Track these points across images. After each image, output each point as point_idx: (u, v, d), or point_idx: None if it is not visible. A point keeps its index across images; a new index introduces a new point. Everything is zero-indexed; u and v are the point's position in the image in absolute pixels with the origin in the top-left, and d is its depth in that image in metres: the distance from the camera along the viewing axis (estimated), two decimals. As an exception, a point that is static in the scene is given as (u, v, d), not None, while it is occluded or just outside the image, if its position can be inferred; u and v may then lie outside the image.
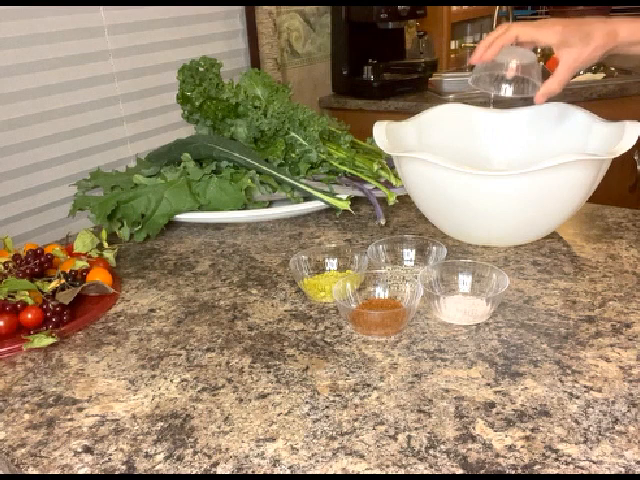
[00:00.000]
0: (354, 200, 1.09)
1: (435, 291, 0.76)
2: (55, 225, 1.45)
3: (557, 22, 0.86)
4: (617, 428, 0.55)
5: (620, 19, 0.87)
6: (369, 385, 0.63)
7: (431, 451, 0.54)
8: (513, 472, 0.51)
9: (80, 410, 0.63)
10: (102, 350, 0.74)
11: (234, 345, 0.72)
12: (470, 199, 0.84)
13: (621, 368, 0.63)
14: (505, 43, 0.86)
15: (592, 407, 0.58)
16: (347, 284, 0.77)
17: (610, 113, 0.99)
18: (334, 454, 0.54)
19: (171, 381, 0.66)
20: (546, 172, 0.78)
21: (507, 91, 0.88)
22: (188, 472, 0.54)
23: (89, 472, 0.55)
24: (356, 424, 0.58)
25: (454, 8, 2.55)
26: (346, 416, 0.59)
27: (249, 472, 0.53)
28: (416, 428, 0.57)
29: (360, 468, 0.53)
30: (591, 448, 0.53)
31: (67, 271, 0.83)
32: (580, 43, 0.85)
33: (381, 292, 0.78)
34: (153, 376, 0.68)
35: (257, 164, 1.09)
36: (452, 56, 2.63)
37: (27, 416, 0.63)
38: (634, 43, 0.86)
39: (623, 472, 0.51)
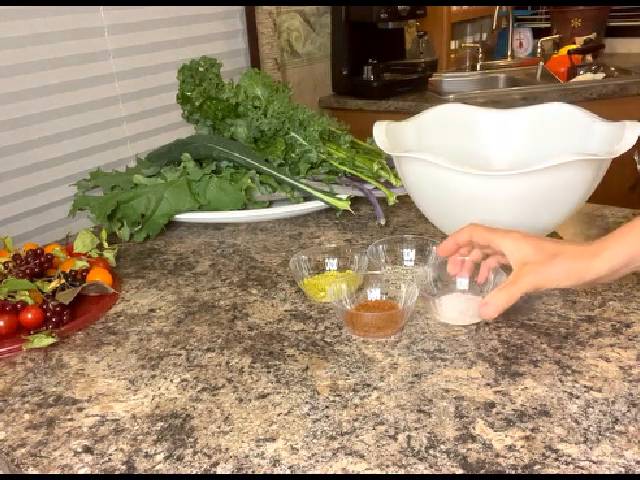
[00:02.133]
0: (354, 200, 1.09)
1: (433, 291, 0.76)
2: (55, 225, 1.45)
3: (515, 232, 0.67)
4: (617, 428, 0.55)
5: (601, 240, 0.63)
6: (369, 385, 0.63)
7: (431, 451, 0.54)
8: (513, 472, 0.51)
9: (80, 410, 0.63)
10: (102, 350, 0.74)
11: (234, 345, 0.72)
12: (470, 199, 0.84)
13: (621, 368, 0.63)
14: (459, 240, 0.71)
15: (592, 407, 0.58)
16: (343, 285, 0.77)
17: (610, 113, 0.99)
18: (334, 454, 0.54)
19: (171, 381, 0.67)
20: (546, 172, 0.78)
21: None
22: (188, 472, 0.54)
23: (89, 472, 0.55)
24: (356, 424, 0.58)
25: (454, 8, 2.55)
26: (346, 416, 0.59)
27: (249, 472, 0.53)
28: (416, 428, 0.57)
29: (360, 468, 0.53)
30: (591, 448, 0.53)
31: (67, 271, 0.83)
32: (543, 259, 0.63)
33: (379, 293, 0.78)
34: (153, 376, 0.68)
35: (257, 164, 1.09)
36: (452, 56, 2.63)
37: (27, 416, 0.63)
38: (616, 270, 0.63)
39: (623, 472, 0.51)
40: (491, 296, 0.64)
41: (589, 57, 2.36)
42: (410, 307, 0.72)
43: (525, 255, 0.64)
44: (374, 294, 0.78)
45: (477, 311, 0.69)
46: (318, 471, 0.53)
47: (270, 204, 1.11)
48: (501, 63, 2.64)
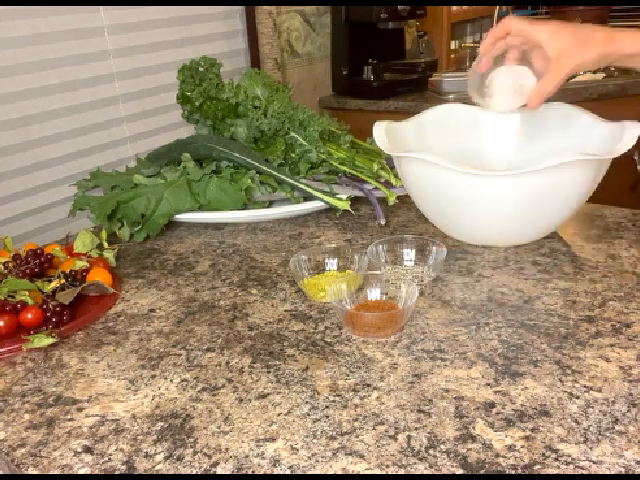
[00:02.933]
0: (354, 200, 1.09)
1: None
2: (55, 225, 1.46)
3: (552, 22, 0.79)
4: (617, 428, 0.55)
5: (620, 29, 0.80)
6: (369, 385, 0.63)
7: (431, 451, 0.54)
8: (513, 472, 0.51)
9: (80, 410, 0.63)
10: (102, 350, 0.74)
11: (234, 345, 0.72)
12: (470, 199, 0.84)
13: (621, 368, 0.63)
14: (498, 34, 0.82)
15: (592, 407, 0.58)
16: (343, 285, 0.77)
17: (610, 113, 0.99)
18: (334, 454, 0.54)
19: (171, 381, 0.67)
20: (546, 172, 0.78)
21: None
22: (188, 472, 0.54)
23: (89, 472, 0.55)
24: (356, 424, 0.58)
25: (454, 8, 2.56)
26: (346, 416, 0.59)
27: (249, 472, 0.53)
28: (416, 428, 0.57)
29: (360, 468, 0.53)
30: (591, 448, 0.53)
31: (67, 271, 0.83)
32: (576, 46, 0.77)
33: (379, 293, 0.78)
34: (153, 376, 0.68)
35: (257, 164, 1.09)
36: (452, 56, 2.63)
37: (27, 416, 0.63)
38: (635, 55, 0.78)
39: (623, 472, 0.51)
40: (537, 86, 0.80)
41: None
42: (410, 307, 0.72)
43: (561, 45, 0.77)
44: (374, 294, 0.78)
45: (527, 89, 0.80)
46: (318, 471, 0.53)
47: (270, 204, 1.11)
48: (501, 63, 2.63)
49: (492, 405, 0.59)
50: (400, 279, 0.77)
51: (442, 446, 0.54)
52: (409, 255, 0.87)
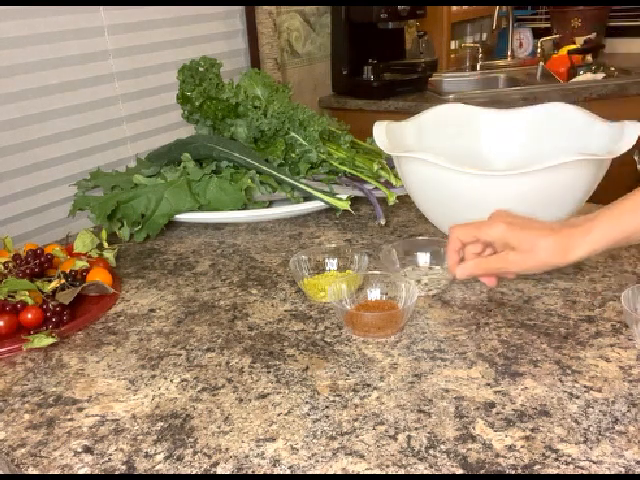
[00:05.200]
0: (354, 200, 1.09)
1: None
2: (55, 225, 1.45)
3: (500, 218, 0.70)
4: (617, 428, 0.55)
5: (599, 217, 0.66)
6: (369, 385, 0.63)
7: (431, 451, 0.54)
8: (513, 472, 0.51)
9: (80, 410, 0.63)
10: (102, 350, 0.74)
11: (234, 345, 0.72)
12: (470, 199, 0.83)
13: (621, 368, 0.63)
14: (455, 248, 0.72)
15: (592, 407, 0.58)
16: (343, 285, 0.77)
17: (610, 113, 0.99)
18: (334, 454, 0.54)
19: (171, 381, 0.67)
20: (546, 172, 0.78)
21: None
22: (188, 472, 0.54)
23: (89, 472, 0.55)
24: (356, 424, 0.58)
25: (454, 8, 2.55)
26: (346, 416, 0.59)
27: (249, 472, 0.53)
28: (416, 428, 0.57)
29: (360, 468, 0.53)
30: (591, 448, 0.53)
31: (67, 271, 0.83)
32: (523, 249, 0.67)
33: (379, 293, 0.78)
34: (153, 376, 0.68)
35: (257, 164, 1.09)
36: (452, 56, 2.63)
37: (27, 416, 0.63)
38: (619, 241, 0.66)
39: (623, 472, 0.51)
40: (468, 262, 0.72)
41: (589, 57, 2.36)
42: (410, 307, 0.72)
43: (509, 243, 0.68)
44: (374, 294, 0.78)
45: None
46: (318, 471, 0.53)
47: (270, 204, 1.11)
48: (501, 63, 2.64)
49: (492, 405, 0.59)
50: (411, 281, 0.76)
51: (442, 446, 0.54)
52: (423, 258, 0.86)
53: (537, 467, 0.52)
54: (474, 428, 0.56)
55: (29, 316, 0.76)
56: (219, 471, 0.54)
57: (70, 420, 0.62)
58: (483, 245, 0.73)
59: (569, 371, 0.63)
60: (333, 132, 1.19)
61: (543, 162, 0.77)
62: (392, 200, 1.04)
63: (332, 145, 1.15)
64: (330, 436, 0.57)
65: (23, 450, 0.58)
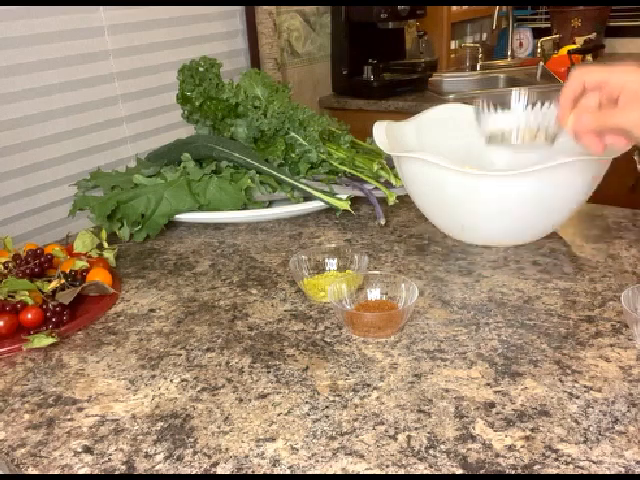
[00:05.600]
0: (354, 200, 1.09)
1: None
2: (55, 225, 1.45)
3: (630, 66, 0.62)
4: (617, 428, 0.55)
5: None
6: (369, 385, 0.63)
7: (431, 451, 0.54)
8: (513, 472, 0.51)
9: (80, 410, 0.63)
10: (102, 350, 0.74)
11: (234, 345, 0.72)
12: (470, 199, 0.84)
13: (621, 368, 0.63)
14: (575, 89, 0.65)
15: (592, 407, 0.58)
16: (343, 285, 0.77)
17: (610, 113, 0.99)
18: (334, 454, 0.54)
19: (171, 381, 0.66)
20: (546, 172, 0.78)
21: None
22: (188, 472, 0.54)
23: (89, 472, 0.55)
24: (356, 424, 0.58)
25: (454, 8, 2.55)
26: (346, 416, 0.59)
27: (249, 472, 0.53)
28: (416, 428, 0.57)
29: (360, 468, 0.53)
30: (591, 448, 0.53)
31: (67, 271, 0.83)
32: None
33: (379, 293, 0.78)
34: (153, 376, 0.68)
35: (257, 164, 1.09)
36: (452, 56, 2.63)
37: (27, 416, 0.63)
38: None
39: (623, 472, 0.51)
40: (586, 114, 0.62)
41: (589, 57, 2.36)
42: (410, 307, 0.72)
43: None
44: (374, 294, 0.78)
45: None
46: (318, 471, 0.53)
47: (270, 204, 1.11)
48: (501, 63, 2.64)
49: (492, 405, 0.59)
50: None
51: (442, 446, 0.54)
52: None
53: (537, 467, 0.52)
54: (474, 428, 0.56)
55: (29, 316, 0.76)
56: (219, 471, 0.54)
57: (70, 420, 0.62)
58: (604, 99, 0.64)
59: (569, 371, 0.63)
60: (333, 132, 1.19)
61: (543, 162, 0.77)
62: (392, 200, 1.04)
63: (332, 145, 1.15)
64: (330, 436, 0.57)
65: (23, 450, 0.58)
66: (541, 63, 2.33)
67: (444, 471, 0.52)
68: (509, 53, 2.70)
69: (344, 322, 0.73)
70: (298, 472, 0.53)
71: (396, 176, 1.06)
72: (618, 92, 0.61)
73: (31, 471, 0.55)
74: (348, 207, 1.03)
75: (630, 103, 0.60)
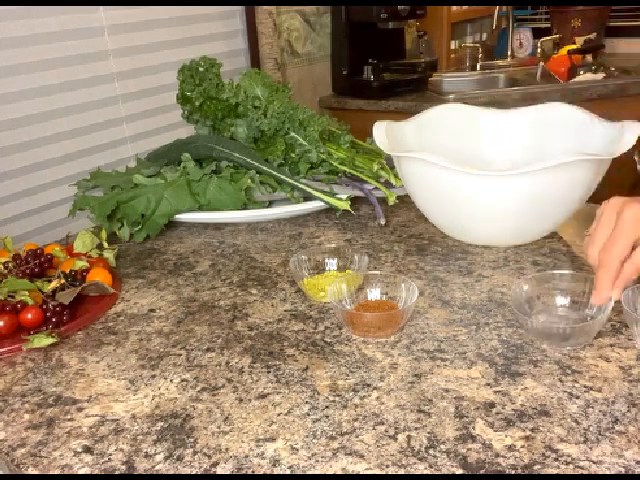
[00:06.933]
0: (354, 200, 1.09)
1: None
2: (55, 225, 1.45)
3: (628, 206, 0.63)
4: (617, 428, 0.55)
5: None
6: (369, 385, 0.63)
7: (431, 451, 0.54)
8: (513, 472, 0.51)
9: (80, 410, 0.63)
10: (102, 350, 0.74)
11: (234, 345, 0.72)
12: (470, 199, 0.84)
13: (621, 368, 0.63)
14: (613, 277, 0.64)
15: (592, 407, 0.58)
16: (343, 285, 0.77)
17: (610, 113, 0.99)
18: (334, 454, 0.54)
19: (171, 381, 0.67)
20: (546, 172, 0.78)
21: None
22: (188, 472, 0.54)
23: (89, 472, 0.55)
24: (356, 424, 0.58)
25: (454, 8, 2.56)
26: (346, 416, 0.59)
27: (249, 472, 0.53)
28: (416, 428, 0.57)
29: (360, 468, 0.53)
30: (591, 448, 0.53)
31: (67, 271, 0.83)
32: None
33: (379, 293, 0.78)
34: (153, 376, 0.68)
35: (257, 164, 1.09)
36: (452, 56, 2.63)
37: (27, 416, 0.63)
38: None
39: (623, 472, 0.51)
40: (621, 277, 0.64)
41: (589, 57, 2.36)
42: (410, 307, 0.72)
43: None
44: (374, 294, 0.78)
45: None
46: (318, 471, 0.53)
47: (270, 204, 1.11)
48: (501, 63, 2.64)
49: (492, 405, 0.59)
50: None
51: (442, 446, 0.54)
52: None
53: (537, 467, 0.52)
54: (474, 428, 0.56)
55: (29, 316, 0.76)
56: (219, 471, 0.54)
57: (70, 420, 0.62)
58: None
59: (569, 371, 0.63)
60: (333, 132, 1.19)
61: (543, 162, 0.78)
62: (392, 200, 1.04)
63: (332, 145, 1.15)
64: (330, 436, 0.57)
65: (23, 450, 0.58)
66: (541, 63, 2.33)
67: (444, 471, 0.52)
68: (509, 53, 2.70)
69: (344, 322, 0.74)
70: (298, 472, 0.53)
71: (396, 176, 1.06)
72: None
73: (31, 471, 0.55)
74: (348, 207, 1.03)
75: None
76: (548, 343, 0.67)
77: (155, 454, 0.56)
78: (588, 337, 0.67)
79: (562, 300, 0.73)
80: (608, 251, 0.66)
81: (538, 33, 2.78)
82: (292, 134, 1.12)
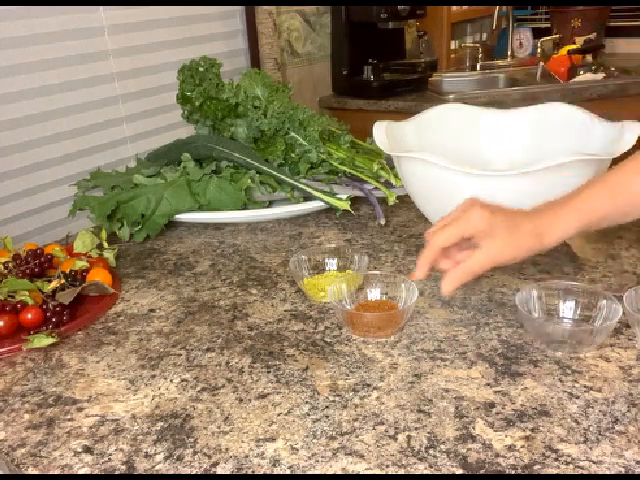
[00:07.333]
0: (354, 200, 1.09)
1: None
2: (55, 225, 1.45)
3: (474, 207, 0.68)
4: (617, 428, 0.55)
5: (566, 206, 0.68)
6: (369, 385, 0.63)
7: (431, 451, 0.54)
8: (513, 472, 0.51)
9: (80, 410, 0.63)
10: (102, 350, 0.74)
11: (234, 345, 0.72)
12: (470, 199, 0.83)
13: (621, 368, 0.63)
14: (431, 260, 0.69)
15: (592, 407, 0.58)
16: (343, 285, 0.77)
17: (610, 113, 0.99)
18: (334, 454, 0.54)
19: (171, 381, 0.66)
20: (546, 172, 0.78)
21: None
22: (188, 472, 0.54)
23: (89, 472, 0.55)
24: (356, 424, 0.58)
25: (454, 8, 2.55)
26: (346, 416, 0.59)
27: (249, 472, 0.53)
28: (416, 428, 0.57)
29: (360, 468, 0.53)
30: (591, 448, 0.53)
31: (67, 271, 0.83)
32: (505, 234, 0.66)
33: (379, 293, 0.78)
34: (153, 376, 0.68)
35: (257, 164, 1.09)
36: (452, 56, 2.63)
37: (27, 416, 0.63)
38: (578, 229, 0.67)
39: (623, 472, 0.51)
40: (452, 273, 0.68)
41: (589, 57, 2.36)
42: (410, 307, 0.72)
43: (493, 230, 0.66)
44: (374, 294, 0.78)
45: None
46: (318, 471, 0.53)
47: (270, 204, 1.11)
48: (501, 63, 2.64)
49: (492, 405, 0.59)
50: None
51: (442, 446, 0.54)
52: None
53: (537, 467, 0.52)
54: (474, 428, 0.56)
55: (29, 316, 0.76)
56: (219, 471, 0.54)
57: (70, 420, 0.62)
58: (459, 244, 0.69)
59: (569, 371, 0.63)
60: (333, 132, 1.19)
61: (543, 162, 0.78)
62: (392, 200, 1.04)
63: (332, 145, 1.15)
64: (330, 436, 0.57)
65: (23, 450, 0.58)
66: (541, 63, 2.33)
67: (444, 471, 0.52)
68: (509, 53, 2.69)
69: (344, 322, 0.73)
70: (298, 472, 0.53)
71: (396, 176, 1.06)
72: (471, 235, 0.67)
73: (31, 471, 0.55)
74: (348, 207, 1.03)
75: (483, 240, 0.67)
76: (553, 347, 0.67)
77: (155, 454, 0.56)
78: (592, 345, 0.67)
79: (569, 310, 0.73)
80: (436, 234, 0.69)
81: (538, 33, 2.78)
82: (292, 134, 1.12)
